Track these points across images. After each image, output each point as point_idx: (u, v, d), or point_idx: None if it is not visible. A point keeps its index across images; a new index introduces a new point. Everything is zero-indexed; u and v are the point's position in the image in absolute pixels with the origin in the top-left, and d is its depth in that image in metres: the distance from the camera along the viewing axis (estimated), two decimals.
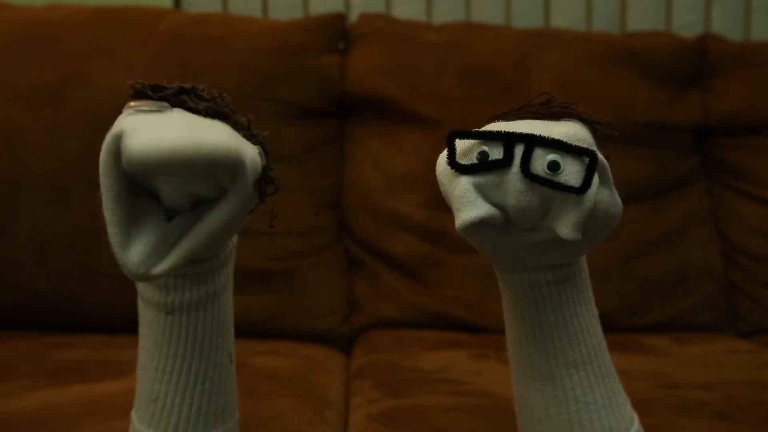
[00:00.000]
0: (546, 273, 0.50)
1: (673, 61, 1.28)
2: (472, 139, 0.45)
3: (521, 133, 0.44)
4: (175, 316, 0.48)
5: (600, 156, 0.45)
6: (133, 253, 0.41)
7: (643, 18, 1.49)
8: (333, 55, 1.23)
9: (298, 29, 1.21)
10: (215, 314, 0.50)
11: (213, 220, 0.42)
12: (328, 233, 1.19)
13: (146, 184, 0.43)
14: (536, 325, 0.52)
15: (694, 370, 0.96)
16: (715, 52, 1.30)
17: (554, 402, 0.52)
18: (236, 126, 0.46)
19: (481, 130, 0.46)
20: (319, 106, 1.20)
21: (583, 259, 0.53)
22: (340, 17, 1.27)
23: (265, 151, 0.47)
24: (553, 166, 0.43)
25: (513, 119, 0.48)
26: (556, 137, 0.44)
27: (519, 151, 0.43)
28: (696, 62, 1.29)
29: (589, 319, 0.52)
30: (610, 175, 0.46)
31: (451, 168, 0.45)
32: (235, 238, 0.52)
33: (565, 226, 0.44)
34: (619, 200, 0.48)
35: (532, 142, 0.43)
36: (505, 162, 0.44)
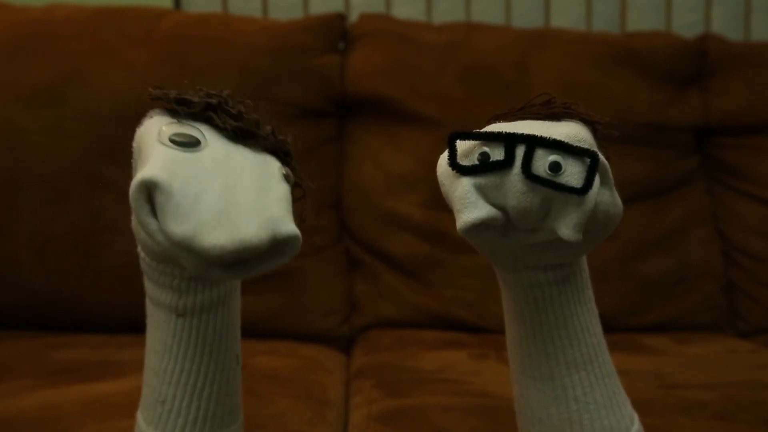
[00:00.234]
0: (546, 273, 0.50)
1: (673, 61, 1.28)
2: (473, 140, 0.45)
3: (522, 134, 0.44)
4: (187, 318, 0.48)
5: (601, 157, 0.45)
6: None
7: (643, 18, 1.49)
8: (333, 55, 1.23)
9: (298, 29, 1.21)
10: (225, 317, 0.50)
11: (257, 270, 0.43)
12: (328, 233, 1.19)
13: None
14: (536, 324, 0.52)
15: (694, 370, 0.96)
16: (715, 52, 1.30)
17: (554, 402, 0.52)
18: (262, 141, 0.46)
19: (482, 131, 0.46)
20: (319, 106, 1.19)
21: (584, 259, 0.53)
22: (340, 17, 1.27)
23: (290, 154, 0.47)
24: (555, 167, 0.43)
25: (514, 120, 0.48)
26: (558, 138, 0.44)
27: (520, 152, 0.43)
28: (696, 62, 1.29)
29: (589, 318, 0.52)
30: (611, 176, 0.46)
31: (452, 169, 0.45)
32: None
33: (566, 227, 0.44)
34: (619, 201, 0.48)
35: (534, 143, 0.43)
36: (507, 163, 0.44)
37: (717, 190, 1.28)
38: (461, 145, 0.46)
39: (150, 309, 0.50)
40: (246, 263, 0.42)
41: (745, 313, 1.22)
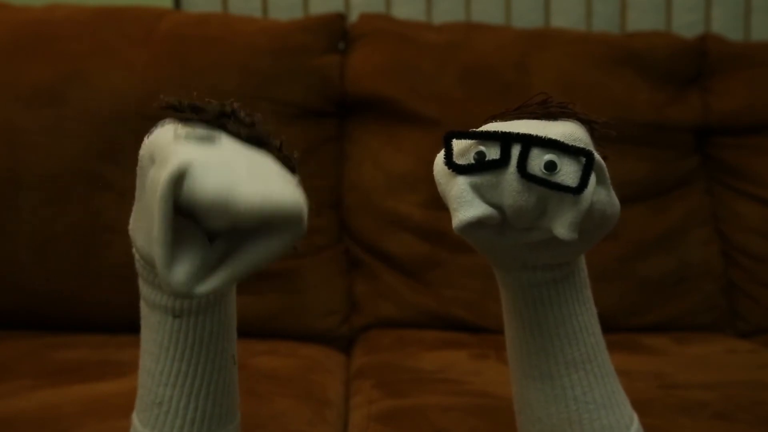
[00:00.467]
0: (544, 272, 0.50)
1: (673, 61, 1.28)
2: (469, 139, 0.45)
3: (518, 133, 0.44)
4: (183, 319, 0.48)
5: (597, 156, 0.45)
6: (178, 272, 0.41)
7: (643, 18, 1.49)
8: (333, 55, 1.23)
9: (298, 29, 1.21)
10: (221, 317, 0.50)
11: (263, 253, 0.43)
12: (328, 233, 1.19)
13: (188, 211, 0.43)
14: (535, 324, 0.52)
15: (694, 370, 0.96)
16: (715, 52, 1.30)
17: (554, 401, 0.52)
18: (272, 151, 0.46)
19: (478, 130, 0.46)
20: (319, 106, 1.20)
21: (582, 259, 0.53)
22: (340, 17, 1.27)
23: (295, 170, 0.47)
24: (550, 166, 0.43)
25: (510, 119, 0.48)
26: (553, 137, 0.44)
27: (516, 151, 0.43)
28: (696, 62, 1.29)
29: (588, 318, 0.52)
30: (608, 175, 0.46)
31: (448, 168, 0.45)
32: None
33: (562, 226, 0.44)
34: (616, 200, 0.48)
35: (529, 142, 0.43)
36: (502, 162, 0.44)
37: (717, 190, 1.28)
38: (457, 144, 0.46)
39: (145, 310, 0.50)
40: (242, 256, 0.42)
41: (745, 313, 1.22)
